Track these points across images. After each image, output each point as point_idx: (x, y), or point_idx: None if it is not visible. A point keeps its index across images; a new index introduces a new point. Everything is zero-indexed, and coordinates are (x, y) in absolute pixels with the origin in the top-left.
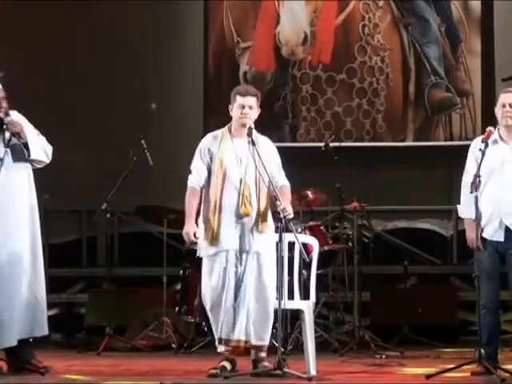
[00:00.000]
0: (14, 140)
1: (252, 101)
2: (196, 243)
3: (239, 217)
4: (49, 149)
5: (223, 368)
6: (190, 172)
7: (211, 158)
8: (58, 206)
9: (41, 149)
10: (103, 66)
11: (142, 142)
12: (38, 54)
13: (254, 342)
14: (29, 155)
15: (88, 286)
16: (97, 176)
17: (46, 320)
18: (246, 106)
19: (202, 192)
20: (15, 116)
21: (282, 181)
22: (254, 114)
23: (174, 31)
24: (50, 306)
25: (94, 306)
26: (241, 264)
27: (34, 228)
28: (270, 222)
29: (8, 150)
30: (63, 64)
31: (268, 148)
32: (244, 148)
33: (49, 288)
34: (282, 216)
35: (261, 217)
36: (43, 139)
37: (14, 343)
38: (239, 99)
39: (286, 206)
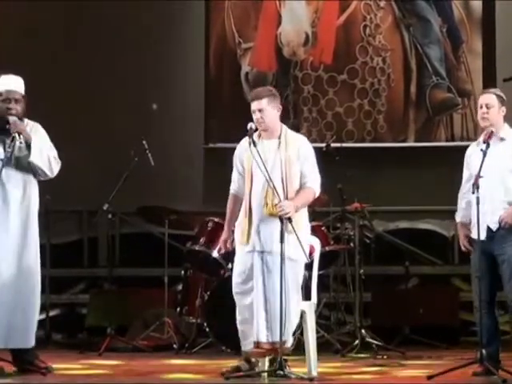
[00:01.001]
0: (16, 140)
1: (260, 104)
2: (228, 252)
3: (264, 218)
4: (55, 163)
5: (239, 368)
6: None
7: (242, 164)
8: (59, 207)
9: (45, 156)
10: (104, 66)
11: (144, 142)
12: (38, 54)
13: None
14: (29, 156)
15: (89, 287)
16: (98, 176)
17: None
18: (255, 111)
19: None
20: (34, 128)
21: (309, 182)
22: (268, 114)
23: (176, 31)
24: (51, 306)
25: (95, 307)
26: (267, 266)
27: (25, 250)
28: (301, 223)
29: (10, 151)
30: (64, 64)
31: (298, 147)
32: (272, 149)
33: (50, 288)
34: (277, 214)
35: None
36: (54, 152)
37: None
38: (251, 105)
39: (284, 204)
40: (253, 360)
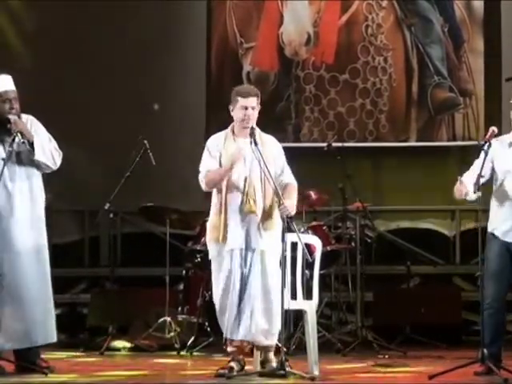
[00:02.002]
0: (18, 140)
1: (254, 101)
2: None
3: (244, 215)
4: (57, 155)
5: (231, 368)
6: (199, 172)
7: (220, 158)
8: (60, 206)
9: (47, 151)
10: (106, 66)
11: (145, 142)
12: (38, 54)
13: (259, 342)
14: (33, 156)
15: (91, 286)
16: (99, 176)
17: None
18: (248, 108)
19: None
20: (30, 121)
21: (287, 179)
22: (256, 113)
23: (177, 31)
24: None
25: (96, 306)
26: (246, 263)
27: (38, 240)
28: (276, 220)
29: (12, 150)
30: (65, 63)
31: (272, 147)
32: (248, 147)
33: (52, 288)
34: (283, 216)
35: (266, 215)
36: (53, 144)
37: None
38: (241, 101)
39: (288, 204)
40: (241, 358)
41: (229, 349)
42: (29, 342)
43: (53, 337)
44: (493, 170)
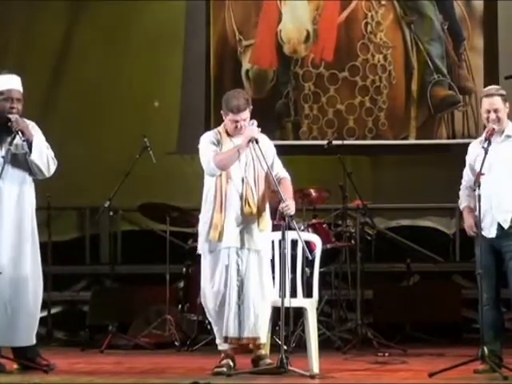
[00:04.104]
0: (18, 140)
1: (245, 114)
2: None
3: (242, 216)
4: (52, 163)
5: (228, 366)
6: (205, 162)
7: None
8: (60, 204)
9: (44, 156)
10: (105, 65)
11: (145, 140)
12: (39, 53)
13: (260, 339)
14: (29, 155)
15: (91, 284)
16: (100, 174)
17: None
18: (240, 121)
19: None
20: (31, 126)
21: (281, 173)
22: (248, 119)
23: (176, 29)
24: (53, 303)
25: (96, 304)
26: (242, 261)
27: (17, 253)
28: (269, 220)
29: (10, 149)
30: (65, 63)
31: (267, 145)
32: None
33: (52, 286)
34: (284, 214)
35: (261, 215)
36: (50, 153)
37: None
38: (231, 115)
39: (289, 204)
40: (232, 356)
41: (227, 346)
42: (7, 341)
43: (32, 340)
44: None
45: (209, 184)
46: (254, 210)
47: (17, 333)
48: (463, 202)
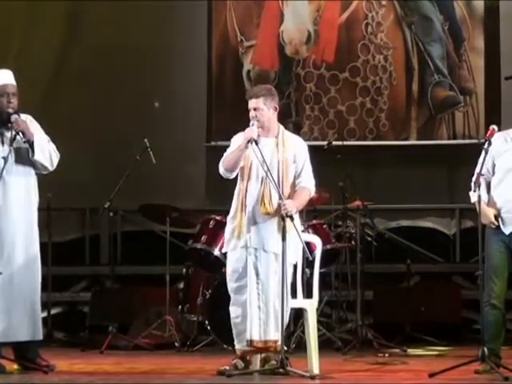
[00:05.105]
0: (19, 139)
1: (256, 102)
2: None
3: (260, 215)
4: (55, 156)
5: (235, 366)
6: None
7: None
8: (60, 205)
9: (46, 152)
10: (105, 65)
11: (145, 140)
12: (39, 52)
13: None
14: (33, 155)
15: (91, 285)
16: (100, 174)
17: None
18: (251, 109)
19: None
20: (29, 120)
21: (304, 182)
22: (264, 114)
23: (178, 30)
24: (53, 304)
25: (97, 305)
26: (261, 264)
27: (29, 242)
28: (297, 223)
29: (12, 148)
30: (66, 63)
31: (294, 148)
32: (269, 148)
33: (52, 286)
34: (283, 214)
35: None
36: (52, 146)
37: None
38: (249, 103)
39: (287, 203)
40: (247, 358)
41: (245, 348)
42: (9, 337)
43: (39, 335)
44: (493, 167)
45: (239, 184)
46: (270, 210)
47: (24, 326)
48: (476, 196)
